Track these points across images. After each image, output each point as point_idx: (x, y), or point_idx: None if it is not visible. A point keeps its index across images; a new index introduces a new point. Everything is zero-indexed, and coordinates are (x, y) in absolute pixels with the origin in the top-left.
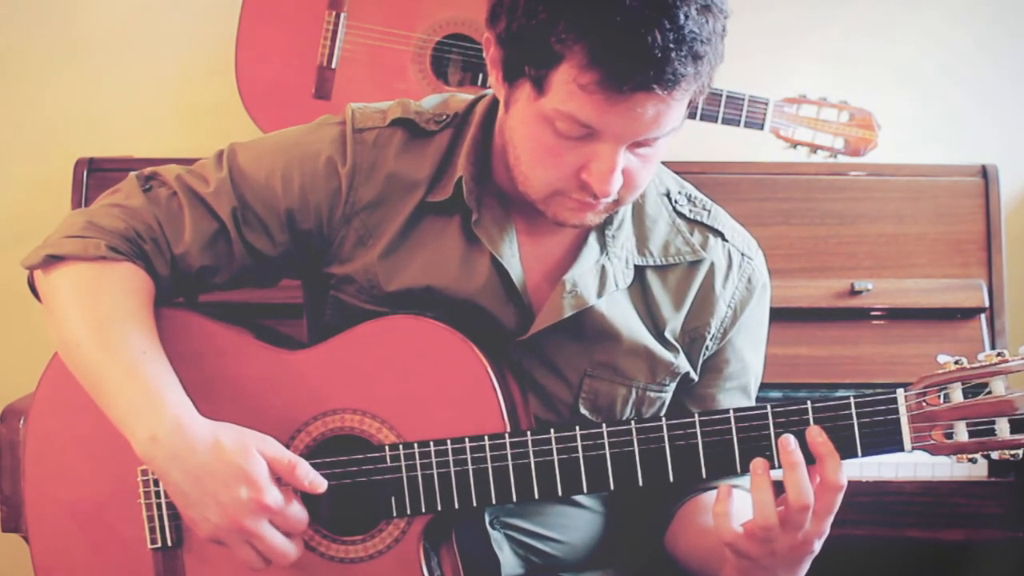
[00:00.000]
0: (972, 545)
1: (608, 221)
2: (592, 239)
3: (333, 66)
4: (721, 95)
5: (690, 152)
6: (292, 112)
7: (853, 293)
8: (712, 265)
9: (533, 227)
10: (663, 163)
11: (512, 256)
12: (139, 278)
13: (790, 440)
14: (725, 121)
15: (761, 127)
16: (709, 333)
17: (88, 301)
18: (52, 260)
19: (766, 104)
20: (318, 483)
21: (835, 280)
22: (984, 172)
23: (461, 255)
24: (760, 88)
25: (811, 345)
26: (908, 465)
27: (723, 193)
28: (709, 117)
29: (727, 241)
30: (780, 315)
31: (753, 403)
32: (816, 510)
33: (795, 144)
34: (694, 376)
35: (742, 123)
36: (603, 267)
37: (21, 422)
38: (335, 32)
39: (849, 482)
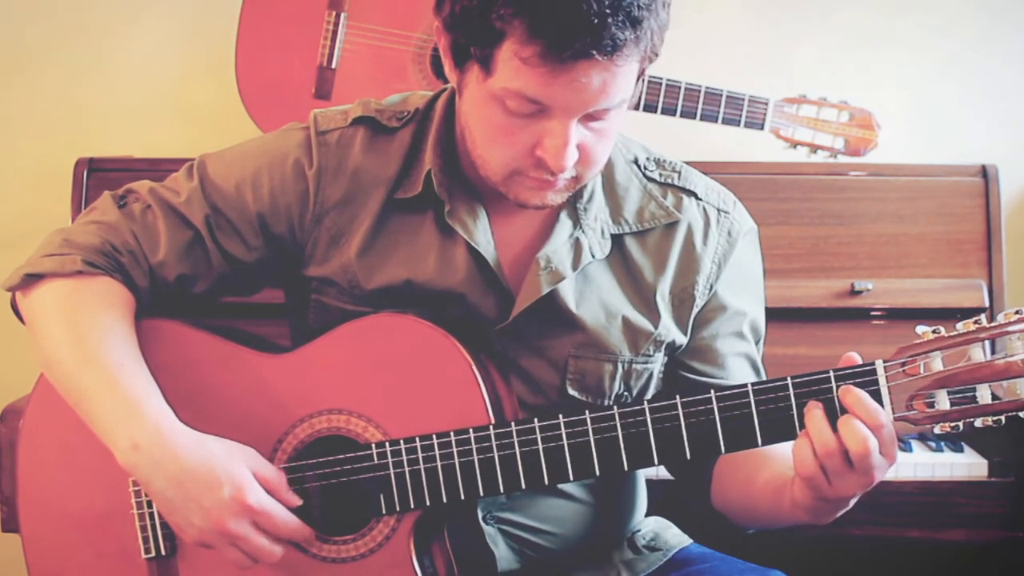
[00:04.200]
0: (972, 545)
1: (578, 195)
2: (564, 215)
3: (333, 66)
4: (721, 95)
5: (690, 152)
6: (292, 112)
7: (853, 293)
8: (689, 226)
9: (504, 212)
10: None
11: (487, 243)
12: (117, 291)
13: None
14: (725, 121)
15: (761, 127)
16: (697, 291)
17: (67, 317)
18: (31, 279)
19: (766, 104)
20: (293, 499)
21: (835, 280)
22: (984, 172)
23: (438, 249)
24: (760, 88)
25: (811, 345)
26: (908, 465)
27: None
28: (709, 117)
29: (701, 199)
30: (780, 315)
31: (753, 345)
32: (882, 447)
33: (795, 144)
34: (682, 341)
35: (742, 123)
36: (577, 240)
37: (21, 422)
38: (335, 32)
39: None
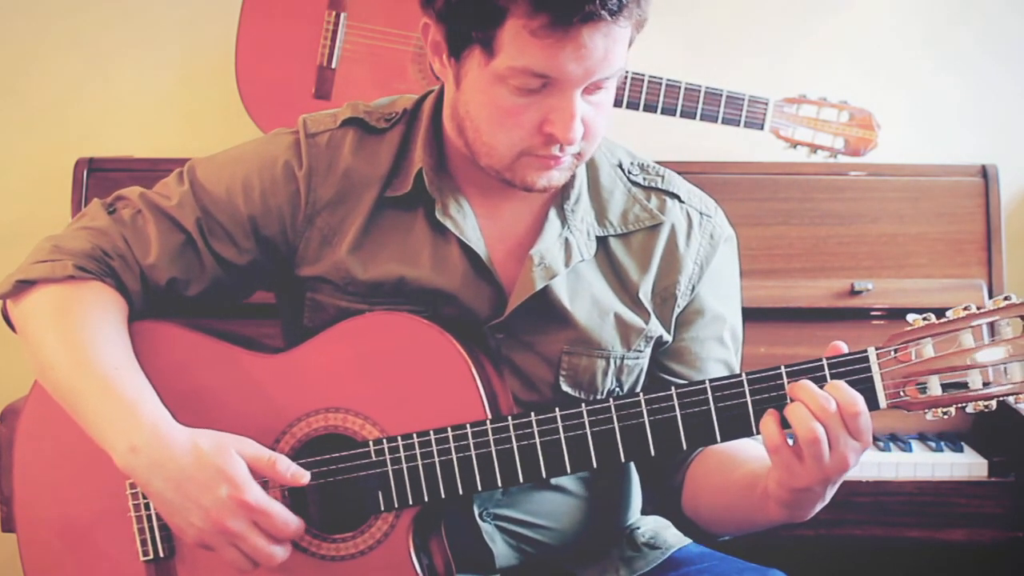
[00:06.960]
0: (972, 545)
1: (566, 196)
2: (552, 214)
3: (333, 66)
4: (721, 95)
5: (690, 152)
6: (292, 112)
7: (853, 293)
8: (672, 227)
9: (489, 208)
10: (632, 144)
11: (477, 239)
12: (108, 295)
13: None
14: (725, 121)
15: (761, 127)
16: (679, 291)
17: (59, 322)
18: (22, 286)
19: (766, 104)
20: (300, 475)
21: (835, 280)
22: (984, 172)
23: (431, 246)
24: (760, 88)
25: (811, 345)
26: (908, 465)
27: (723, 193)
28: (709, 117)
29: (684, 202)
30: (780, 315)
31: (733, 354)
32: (851, 432)
33: (795, 144)
34: (668, 338)
35: (742, 123)
36: (567, 240)
37: (18, 424)
38: (335, 32)
39: (849, 482)
